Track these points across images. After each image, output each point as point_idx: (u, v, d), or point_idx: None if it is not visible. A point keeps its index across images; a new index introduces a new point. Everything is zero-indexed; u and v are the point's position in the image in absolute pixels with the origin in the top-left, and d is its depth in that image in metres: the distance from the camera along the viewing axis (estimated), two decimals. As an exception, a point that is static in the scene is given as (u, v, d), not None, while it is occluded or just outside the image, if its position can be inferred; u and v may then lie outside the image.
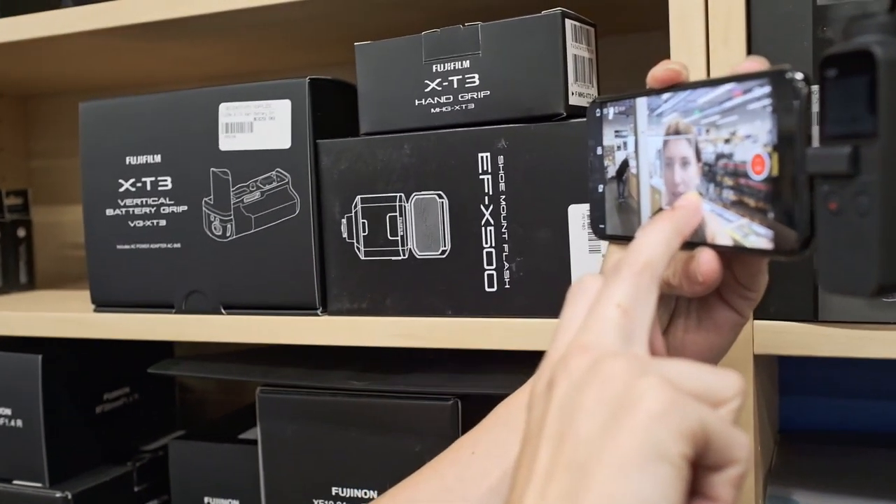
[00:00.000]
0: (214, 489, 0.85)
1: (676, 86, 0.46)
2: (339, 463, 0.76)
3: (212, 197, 0.75)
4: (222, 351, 0.87)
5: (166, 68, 1.01)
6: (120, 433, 0.94)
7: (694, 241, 0.45)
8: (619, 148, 0.51)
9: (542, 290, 0.66)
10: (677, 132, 0.46)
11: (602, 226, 0.53)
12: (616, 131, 0.51)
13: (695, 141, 0.44)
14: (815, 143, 0.39)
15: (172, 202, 0.76)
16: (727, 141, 0.42)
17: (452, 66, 0.67)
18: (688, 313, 0.51)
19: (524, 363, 0.71)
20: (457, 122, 0.67)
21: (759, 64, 0.43)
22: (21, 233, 0.98)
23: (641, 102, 0.49)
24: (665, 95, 0.47)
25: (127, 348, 0.86)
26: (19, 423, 0.86)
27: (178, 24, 0.77)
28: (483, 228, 0.67)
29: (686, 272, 0.45)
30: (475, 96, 0.66)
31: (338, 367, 0.79)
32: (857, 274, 0.36)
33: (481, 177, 0.66)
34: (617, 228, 0.52)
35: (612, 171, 0.52)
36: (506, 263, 0.66)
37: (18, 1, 0.85)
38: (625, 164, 0.50)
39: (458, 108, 0.67)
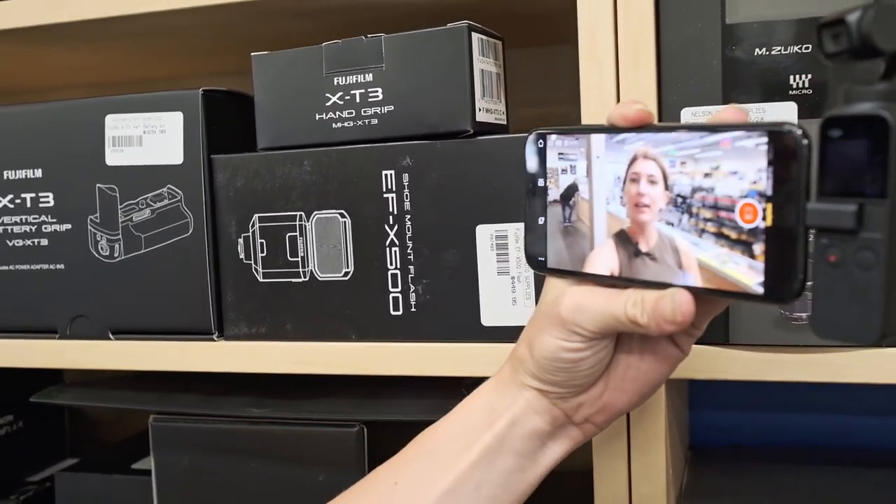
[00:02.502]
0: (105, 523, 0.80)
1: (646, 127, 0.46)
2: (238, 494, 0.72)
3: (98, 215, 0.70)
4: (115, 376, 0.82)
5: (53, 76, 0.94)
6: (3, 464, 0.87)
7: (663, 282, 0.45)
8: (563, 171, 0.50)
9: (450, 313, 0.63)
10: (646, 157, 0.46)
11: (542, 259, 0.51)
12: (560, 154, 0.50)
13: (669, 173, 0.45)
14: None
15: (55, 220, 0.71)
16: (710, 188, 0.43)
17: (355, 79, 0.64)
18: (629, 349, 0.51)
19: (433, 388, 0.68)
20: (360, 138, 0.64)
21: (740, 114, 0.45)
22: None
23: (598, 135, 0.48)
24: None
25: (10, 375, 0.80)
26: None
27: (59, 29, 0.71)
28: (388, 249, 0.64)
29: (657, 313, 0.45)
30: (378, 111, 0.64)
31: (236, 393, 0.75)
32: (859, 323, 0.39)
33: (385, 195, 0.64)
34: (561, 259, 0.50)
35: (554, 195, 0.50)
36: (411, 286, 0.64)
37: None
38: (573, 188, 0.49)
39: (360, 123, 0.64)
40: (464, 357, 0.62)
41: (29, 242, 0.72)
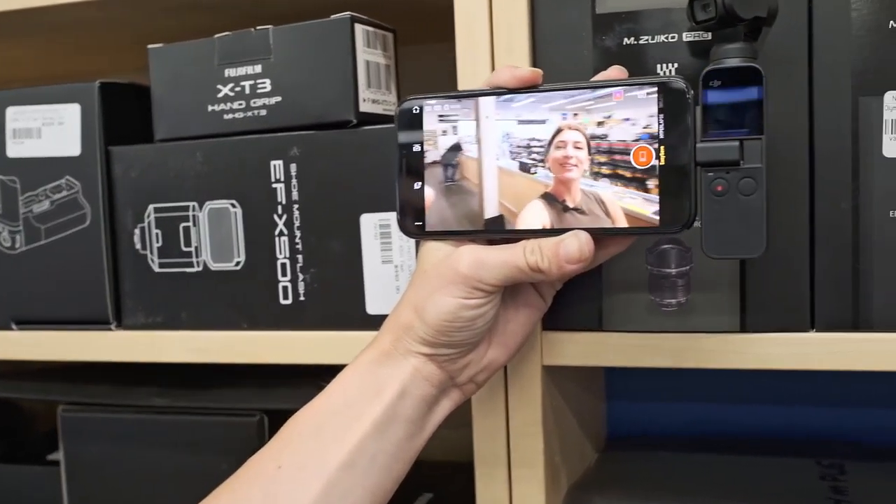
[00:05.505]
0: (22, 513, 0.80)
1: (534, 87, 0.51)
2: (145, 483, 0.72)
3: (0, 206, 0.70)
4: (43, 367, 0.82)
5: None
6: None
7: (572, 227, 0.50)
8: (444, 133, 0.53)
9: (337, 302, 0.64)
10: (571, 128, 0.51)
11: (419, 223, 0.53)
12: (441, 117, 0.53)
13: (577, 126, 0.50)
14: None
15: (-41, 212, 0.72)
16: (604, 136, 0.50)
17: (244, 70, 0.65)
18: (505, 305, 0.54)
19: (331, 377, 0.69)
20: (249, 129, 0.65)
21: (622, 73, 0.52)
22: None
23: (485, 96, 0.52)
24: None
25: None
26: None
27: None
28: (277, 239, 0.65)
29: (560, 255, 0.49)
30: (267, 102, 0.64)
31: (142, 384, 0.76)
32: (746, 240, 0.49)
33: (274, 185, 0.64)
34: (445, 219, 0.53)
35: (433, 157, 0.53)
36: (300, 275, 0.64)
37: None
38: (456, 148, 0.53)
39: (250, 114, 0.65)
40: (350, 345, 0.63)
41: (-66, 234, 0.73)
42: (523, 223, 0.52)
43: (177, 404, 0.71)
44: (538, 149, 0.51)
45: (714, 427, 0.86)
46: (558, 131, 0.51)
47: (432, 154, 0.53)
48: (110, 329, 0.69)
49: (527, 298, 0.55)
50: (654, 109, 0.48)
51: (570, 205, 0.51)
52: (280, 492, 0.50)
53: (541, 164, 0.51)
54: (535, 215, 0.52)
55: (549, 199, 0.51)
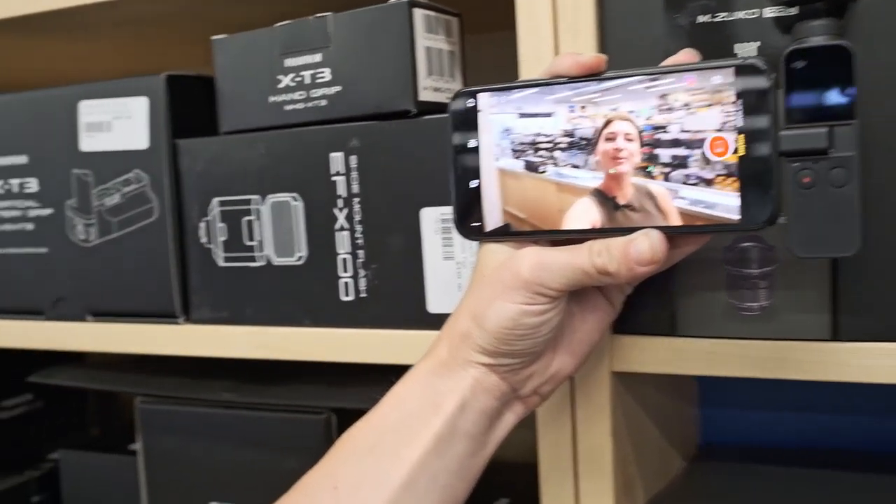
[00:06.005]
0: (105, 500, 0.82)
1: (598, 75, 0.47)
2: (217, 477, 0.72)
3: (75, 200, 0.71)
4: (126, 357, 0.83)
5: (61, 67, 0.97)
6: (22, 441, 0.91)
7: (626, 227, 0.46)
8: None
9: (397, 299, 0.61)
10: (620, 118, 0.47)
11: (477, 224, 0.50)
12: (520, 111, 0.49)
13: (635, 122, 0.46)
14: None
15: (39, 205, 0.73)
16: (679, 128, 0.45)
17: (304, 60, 0.63)
18: (571, 311, 0.50)
19: (400, 375, 0.67)
20: (310, 120, 0.63)
21: (694, 57, 0.47)
22: None
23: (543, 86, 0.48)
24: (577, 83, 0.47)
25: (29, 356, 0.83)
26: None
27: (41, 19, 0.73)
28: (337, 233, 0.62)
29: (630, 256, 0.45)
30: (326, 92, 0.62)
31: (216, 377, 0.75)
32: (837, 237, 0.44)
33: (333, 178, 0.62)
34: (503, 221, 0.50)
35: (489, 152, 0.49)
36: (361, 271, 0.62)
37: None
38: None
39: (310, 105, 0.63)
40: (412, 344, 0.60)
41: (17, 227, 0.74)
42: (569, 223, 0.48)
43: (244, 400, 0.70)
44: (587, 142, 0.47)
45: (817, 438, 0.79)
46: (607, 122, 0.47)
47: (488, 150, 0.49)
48: (178, 323, 0.69)
49: (594, 303, 0.51)
50: (732, 95, 0.44)
51: (622, 202, 0.47)
52: None
53: (589, 158, 0.47)
54: (583, 214, 0.48)
55: (599, 196, 0.47)
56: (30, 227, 0.74)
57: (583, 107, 0.46)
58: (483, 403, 0.49)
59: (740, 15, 0.50)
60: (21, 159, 0.73)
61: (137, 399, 0.76)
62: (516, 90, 0.49)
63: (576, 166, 0.47)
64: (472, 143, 0.50)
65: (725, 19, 0.51)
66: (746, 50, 0.50)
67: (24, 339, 0.74)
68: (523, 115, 0.48)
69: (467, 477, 0.49)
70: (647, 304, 0.54)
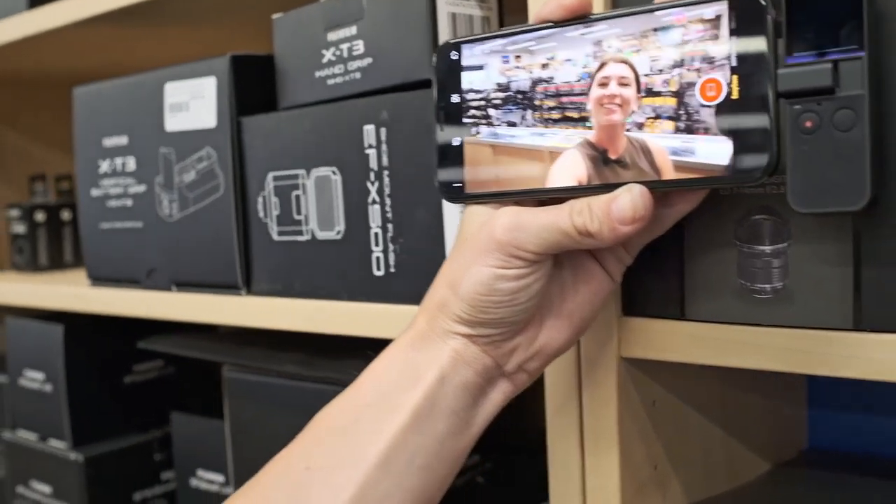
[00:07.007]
0: (206, 462, 0.86)
1: (584, 17, 0.43)
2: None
3: (161, 177, 0.76)
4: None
5: (155, 54, 1.01)
6: (152, 403, 0.98)
7: (608, 183, 0.42)
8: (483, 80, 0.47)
9: (422, 275, 0.59)
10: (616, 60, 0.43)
11: (458, 184, 0.48)
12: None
13: (629, 65, 0.42)
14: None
15: (136, 182, 0.78)
16: (665, 67, 0.41)
17: (343, 34, 0.63)
18: (562, 279, 0.46)
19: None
20: (348, 94, 0.63)
21: None
22: (66, 215, 1.05)
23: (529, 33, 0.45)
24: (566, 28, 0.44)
25: (166, 323, 0.88)
26: (49, 387, 0.93)
27: (151, 7, 0.78)
28: (370, 207, 0.62)
29: (613, 214, 0.41)
30: (360, 65, 0.62)
31: (293, 349, 0.77)
32: (843, 187, 0.38)
33: (367, 151, 0.62)
34: (487, 179, 0.46)
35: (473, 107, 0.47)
36: (390, 245, 0.61)
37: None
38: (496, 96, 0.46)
39: (347, 78, 0.63)
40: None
41: (120, 203, 0.80)
42: (553, 180, 0.44)
43: (305, 372, 0.71)
44: (580, 89, 0.43)
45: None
46: (602, 66, 0.42)
47: (472, 104, 0.47)
48: (240, 294, 0.71)
49: (588, 273, 0.47)
50: (725, 31, 0.39)
51: (613, 156, 0.42)
52: (308, 497, 0.44)
53: (582, 106, 0.43)
54: (569, 169, 0.44)
55: (589, 148, 0.43)
56: (129, 203, 0.79)
57: (517, 56, 0.43)
58: (464, 377, 0.46)
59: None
60: (123, 140, 0.79)
61: (224, 367, 0.79)
62: (498, 39, 0.46)
63: (511, 124, 0.43)
64: (454, 99, 0.47)
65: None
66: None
67: (125, 307, 0.80)
68: (566, 61, 0.45)
69: (448, 458, 0.46)
70: (654, 283, 0.49)
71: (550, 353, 0.47)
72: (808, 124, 0.38)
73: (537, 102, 0.44)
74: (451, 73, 0.47)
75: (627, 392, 0.52)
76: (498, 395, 0.47)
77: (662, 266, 0.49)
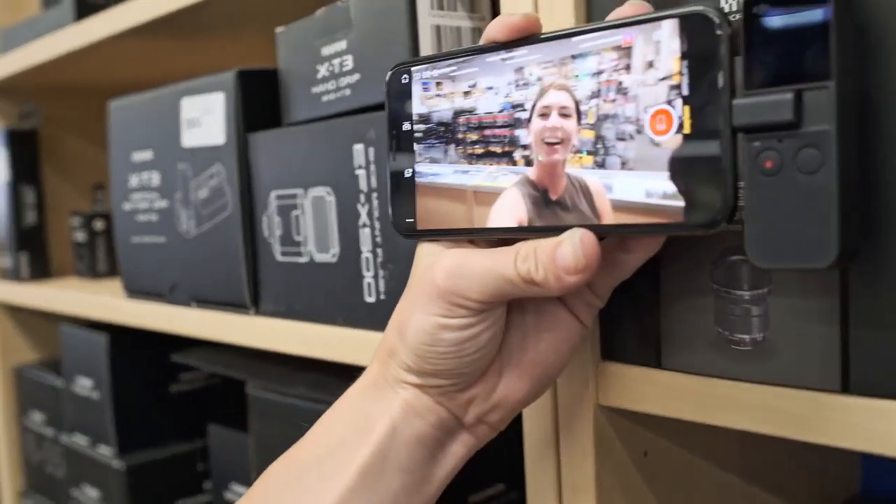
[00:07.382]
0: (239, 476, 0.86)
1: (531, 38, 0.40)
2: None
3: (180, 193, 0.75)
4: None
5: (186, 66, 1.01)
6: (197, 413, 0.98)
7: (556, 226, 0.38)
8: (434, 106, 0.43)
9: (408, 303, 0.56)
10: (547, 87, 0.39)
11: (410, 220, 0.44)
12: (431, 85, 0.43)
13: (572, 94, 0.38)
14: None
15: (159, 197, 0.78)
16: (612, 98, 0.36)
17: (334, 48, 0.60)
18: (524, 326, 0.42)
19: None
20: (340, 111, 0.60)
21: (641, 7, 0.37)
22: (99, 225, 1.06)
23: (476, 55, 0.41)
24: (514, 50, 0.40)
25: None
26: (97, 394, 0.95)
27: (183, 17, 0.76)
28: (360, 231, 0.59)
29: (557, 262, 0.37)
30: (350, 81, 0.59)
31: (313, 370, 0.75)
32: (807, 241, 0.32)
33: (356, 172, 0.59)
34: (439, 215, 0.43)
35: (425, 135, 0.43)
36: (380, 271, 0.58)
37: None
38: (448, 123, 0.43)
39: (338, 94, 0.60)
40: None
41: (147, 218, 0.80)
42: (494, 220, 0.40)
43: (313, 395, 0.69)
44: (522, 119, 0.39)
45: None
46: (542, 93, 0.38)
47: (423, 133, 0.43)
48: (249, 314, 0.70)
49: (553, 318, 0.42)
50: (675, 54, 0.34)
51: (553, 196, 0.38)
52: None
53: (523, 139, 0.39)
54: (510, 209, 0.40)
55: (529, 187, 0.39)
56: (154, 217, 0.79)
57: (438, 83, 0.39)
58: (417, 429, 0.42)
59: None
60: (148, 154, 0.79)
61: (248, 384, 0.78)
62: (442, 61, 0.42)
63: (434, 161, 0.39)
64: (405, 127, 0.44)
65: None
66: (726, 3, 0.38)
67: (154, 320, 0.80)
68: (516, 86, 0.41)
69: None
70: (630, 327, 0.44)
71: (512, 405, 0.43)
72: (769, 164, 0.33)
73: (459, 136, 0.40)
74: (401, 98, 0.44)
75: (608, 442, 0.47)
76: (459, 449, 0.43)
77: (637, 309, 0.44)
